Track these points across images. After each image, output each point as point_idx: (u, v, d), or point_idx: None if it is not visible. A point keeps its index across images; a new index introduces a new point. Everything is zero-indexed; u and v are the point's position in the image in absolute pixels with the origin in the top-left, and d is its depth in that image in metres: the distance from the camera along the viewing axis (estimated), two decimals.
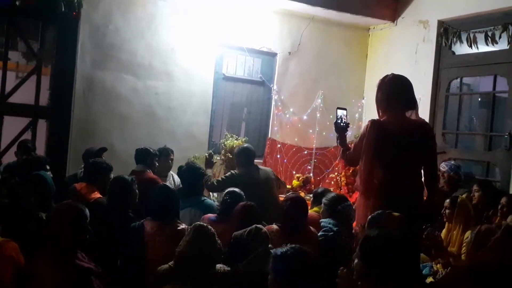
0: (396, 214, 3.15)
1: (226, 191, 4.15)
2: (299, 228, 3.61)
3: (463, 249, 4.00)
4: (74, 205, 2.91)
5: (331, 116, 6.48)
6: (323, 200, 3.98)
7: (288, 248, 2.49)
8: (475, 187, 4.81)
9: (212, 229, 2.95)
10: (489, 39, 5.58)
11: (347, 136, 3.87)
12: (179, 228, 3.49)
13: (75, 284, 2.68)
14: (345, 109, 3.85)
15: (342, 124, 3.80)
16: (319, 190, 4.79)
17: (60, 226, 2.74)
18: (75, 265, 2.75)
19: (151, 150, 5.02)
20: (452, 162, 5.39)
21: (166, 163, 5.40)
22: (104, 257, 2.93)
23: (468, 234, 3.99)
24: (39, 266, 2.71)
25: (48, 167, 4.35)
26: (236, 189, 4.19)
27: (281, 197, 4.93)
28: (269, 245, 3.10)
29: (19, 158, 5.01)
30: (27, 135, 5.55)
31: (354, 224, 3.79)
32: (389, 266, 2.32)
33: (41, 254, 2.76)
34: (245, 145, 5.38)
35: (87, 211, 2.86)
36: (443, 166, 5.20)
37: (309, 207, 4.66)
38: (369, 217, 3.21)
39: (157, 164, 5.12)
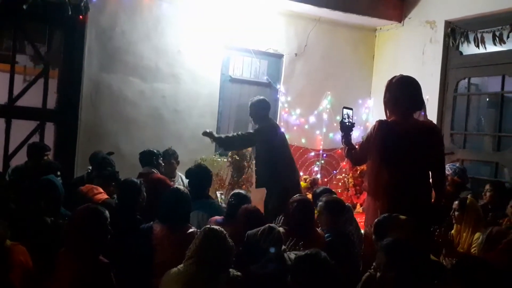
0: (403, 217, 3.13)
1: (232, 192, 4.15)
2: (306, 230, 3.57)
3: (473, 250, 3.96)
4: (94, 208, 2.97)
5: (338, 117, 6.46)
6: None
7: (308, 252, 2.51)
8: (487, 187, 4.76)
9: (224, 231, 2.92)
10: (497, 39, 5.55)
11: (353, 137, 3.87)
12: (188, 231, 3.47)
13: (98, 277, 2.78)
14: (351, 108, 3.87)
15: (348, 123, 3.81)
16: (318, 190, 4.60)
17: (83, 228, 2.80)
18: (98, 260, 2.84)
19: (155, 151, 5.03)
20: (457, 165, 5.29)
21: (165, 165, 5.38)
22: (111, 259, 2.93)
23: (477, 235, 3.95)
24: (62, 263, 2.78)
25: (59, 173, 4.35)
26: (242, 191, 4.19)
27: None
28: (283, 247, 3.08)
29: (28, 161, 4.97)
30: (35, 138, 5.56)
31: (363, 227, 3.77)
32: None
33: (65, 253, 2.83)
34: (260, 97, 5.45)
35: (107, 213, 2.92)
36: (447, 169, 4.97)
37: None
38: (376, 220, 3.20)
39: (163, 164, 5.13)
